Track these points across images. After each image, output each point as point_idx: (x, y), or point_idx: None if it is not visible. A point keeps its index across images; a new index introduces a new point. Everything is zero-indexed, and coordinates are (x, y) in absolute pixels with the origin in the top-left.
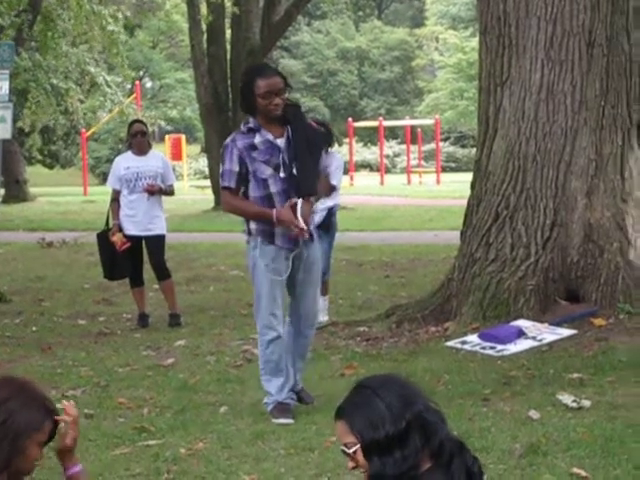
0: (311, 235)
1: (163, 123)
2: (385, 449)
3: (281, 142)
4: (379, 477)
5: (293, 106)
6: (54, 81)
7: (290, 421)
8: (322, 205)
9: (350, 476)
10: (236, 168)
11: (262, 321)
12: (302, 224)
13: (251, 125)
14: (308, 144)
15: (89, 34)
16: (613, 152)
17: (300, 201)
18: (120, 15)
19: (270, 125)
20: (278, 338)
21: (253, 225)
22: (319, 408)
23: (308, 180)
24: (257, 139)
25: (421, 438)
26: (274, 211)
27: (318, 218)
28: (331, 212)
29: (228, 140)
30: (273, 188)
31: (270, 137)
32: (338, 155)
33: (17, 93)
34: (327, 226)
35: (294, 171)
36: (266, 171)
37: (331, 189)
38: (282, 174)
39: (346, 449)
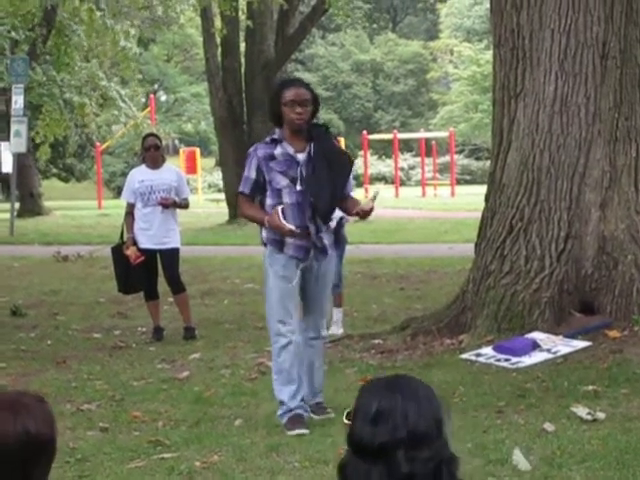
0: (325, 249)
1: (177, 141)
2: None
3: (301, 157)
4: None
5: (321, 126)
6: (68, 95)
7: (305, 431)
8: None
9: None
10: (253, 175)
11: (273, 329)
12: (288, 226)
13: (275, 136)
14: (329, 164)
15: (100, 49)
16: (627, 164)
17: (279, 208)
18: (132, 32)
19: (294, 139)
20: (289, 345)
21: (264, 234)
22: (334, 420)
23: (322, 198)
24: (277, 150)
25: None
26: (266, 217)
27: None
28: (340, 224)
29: (252, 149)
30: (287, 199)
31: (291, 151)
32: None
33: (31, 108)
34: (336, 239)
35: (310, 198)
36: (282, 182)
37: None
38: (299, 187)
39: None
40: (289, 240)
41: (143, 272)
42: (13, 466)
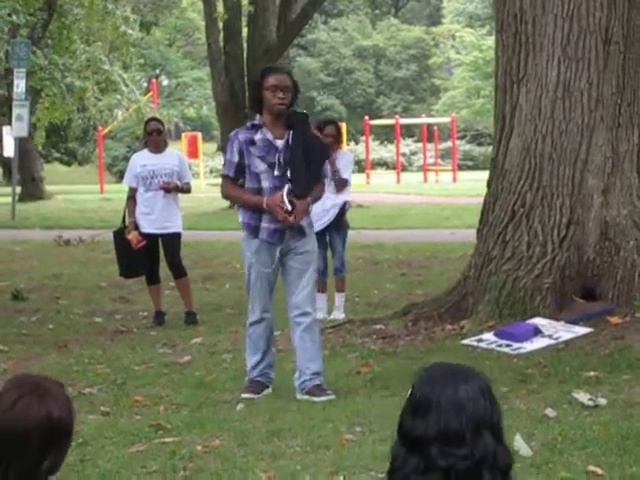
0: (302, 230)
1: (181, 123)
2: None
3: (280, 143)
4: None
5: (300, 114)
6: (70, 79)
7: (254, 396)
8: (333, 202)
9: (366, 475)
10: (236, 159)
11: (250, 305)
12: (288, 206)
13: (255, 122)
14: (306, 150)
15: (101, 32)
16: (629, 150)
17: (287, 186)
18: (131, 18)
19: (274, 125)
20: (260, 321)
21: (240, 218)
22: (335, 405)
23: (300, 182)
24: (257, 136)
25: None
26: (265, 198)
27: (330, 216)
28: (342, 209)
29: (232, 133)
30: (265, 183)
31: (270, 137)
32: (347, 151)
33: (33, 92)
34: (338, 224)
35: (288, 172)
36: (260, 166)
37: (343, 184)
38: (276, 172)
39: None
40: (264, 224)
41: (144, 256)
42: (32, 449)
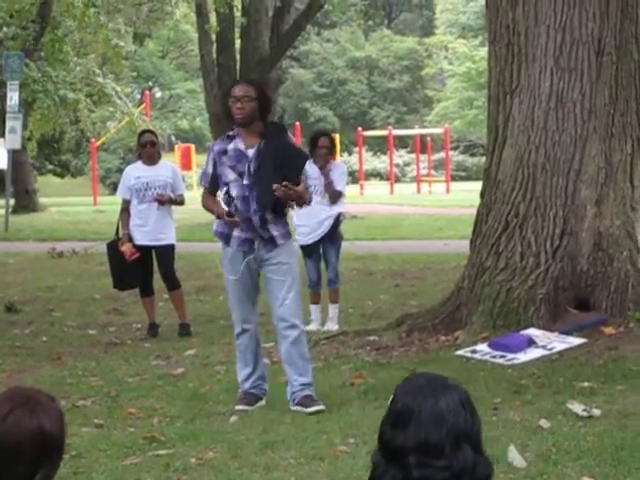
0: (273, 240)
1: (173, 137)
2: None
3: (251, 152)
4: None
5: (275, 124)
6: (63, 92)
7: (248, 408)
8: (327, 213)
9: None
10: (210, 170)
11: (233, 316)
12: (225, 207)
13: (230, 133)
14: (278, 159)
15: (93, 45)
16: (623, 160)
17: (224, 189)
18: (123, 30)
19: (247, 135)
20: (244, 332)
21: (214, 227)
22: (329, 417)
23: (264, 192)
24: (230, 146)
25: None
26: (215, 208)
27: (324, 228)
28: (337, 221)
29: (212, 144)
30: (233, 192)
31: (242, 146)
32: (341, 163)
33: (26, 104)
34: (333, 236)
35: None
36: (230, 175)
37: (337, 195)
38: (245, 181)
39: None
40: (235, 234)
41: (138, 268)
42: (24, 462)
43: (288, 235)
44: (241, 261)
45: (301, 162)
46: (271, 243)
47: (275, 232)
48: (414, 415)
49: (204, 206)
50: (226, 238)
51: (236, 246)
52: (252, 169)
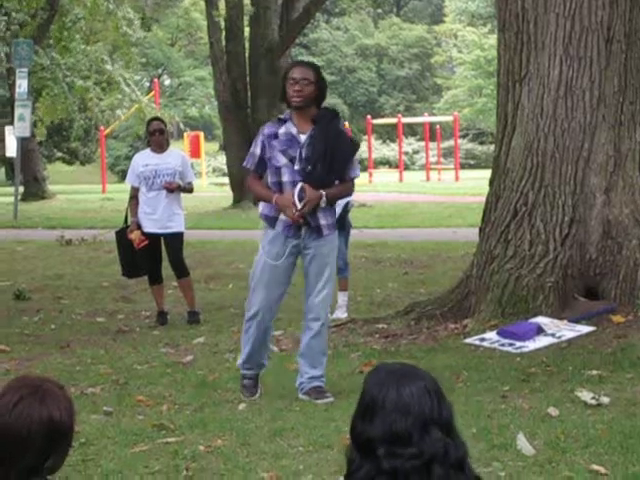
0: (319, 229)
1: (181, 124)
2: None
3: (303, 137)
4: None
5: (329, 111)
6: (71, 79)
7: (254, 397)
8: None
9: None
10: (258, 152)
11: (249, 298)
12: (299, 205)
13: (282, 116)
14: (329, 146)
15: (102, 33)
16: (632, 148)
17: (299, 185)
18: (133, 17)
19: (299, 119)
20: (255, 316)
21: (260, 209)
22: (338, 405)
23: (316, 177)
24: (282, 130)
25: None
26: (275, 195)
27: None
28: (345, 209)
29: (262, 127)
30: (285, 177)
31: (294, 130)
32: None
33: (35, 92)
34: (341, 223)
35: (308, 167)
36: (281, 160)
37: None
38: (296, 166)
39: None
40: (282, 217)
41: (147, 256)
42: (34, 451)
43: (334, 227)
44: (282, 244)
45: (351, 152)
46: (317, 232)
47: (323, 221)
48: (379, 406)
49: (250, 189)
50: (272, 220)
51: (281, 230)
52: (304, 155)
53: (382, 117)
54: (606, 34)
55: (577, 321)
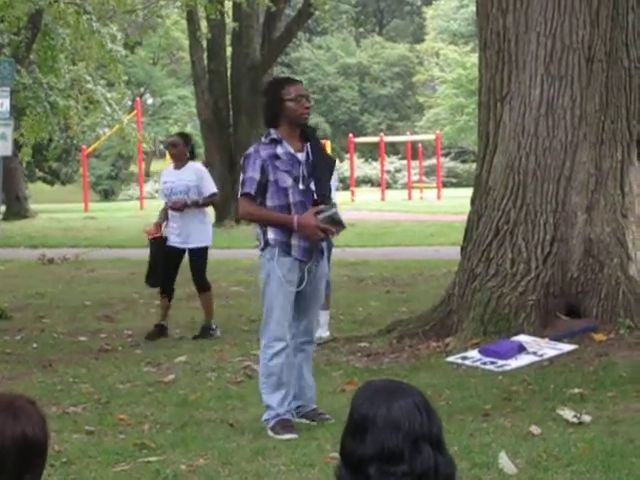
0: (322, 251)
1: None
2: None
3: (301, 156)
4: None
5: (310, 128)
6: (53, 98)
7: (294, 436)
8: None
9: None
10: (257, 176)
11: (272, 332)
12: (323, 226)
13: (273, 136)
14: (324, 163)
15: (86, 51)
16: (613, 167)
17: (324, 207)
18: (119, 36)
19: (291, 139)
20: (284, 350)
21: (271, 235)
22: (320, 424)
23: (325, 195)
24: (279, 150)
25: None
26: (295, 217)
27: None
28: None
29: (251, 150)
30: (292, 198)
31: (292, 150)
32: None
33: (17, 111)
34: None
35: (311, 185)
36: (287, 181)
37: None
38: (301, 186)
39: None
40: (294, 242)
41: (165, 266)
42: (9, 468)
43: (331, 247)
44: (299, 270)
45: (333, 166)
46: (321, 253)
47: (323, 242)
48: (369, 423)
49: (249, 213)
50: (286, 247)
51: (297, 255)
52: (305, 173)
53: (364, 136)
54: (587, 53)
55: (559, 339)
